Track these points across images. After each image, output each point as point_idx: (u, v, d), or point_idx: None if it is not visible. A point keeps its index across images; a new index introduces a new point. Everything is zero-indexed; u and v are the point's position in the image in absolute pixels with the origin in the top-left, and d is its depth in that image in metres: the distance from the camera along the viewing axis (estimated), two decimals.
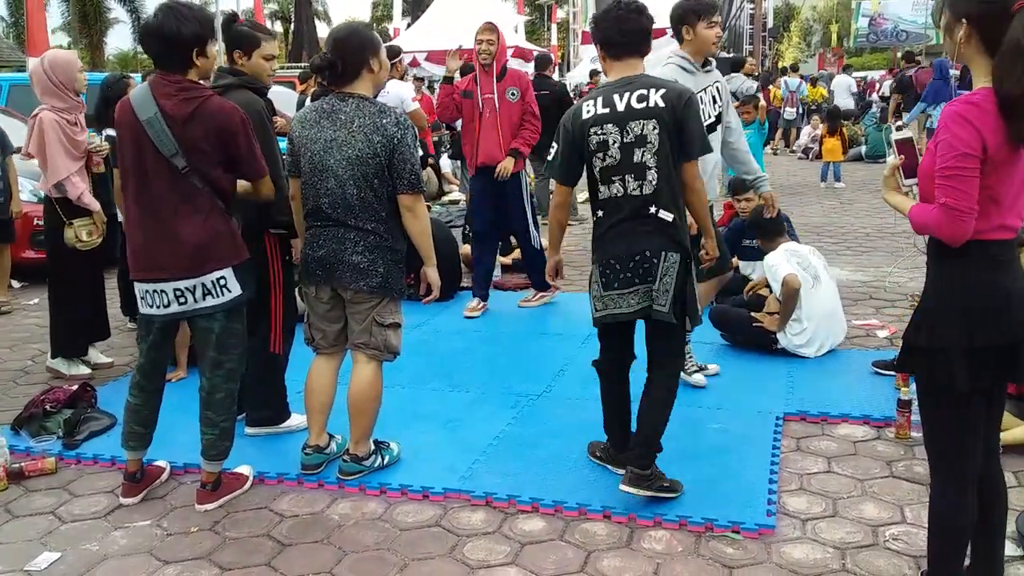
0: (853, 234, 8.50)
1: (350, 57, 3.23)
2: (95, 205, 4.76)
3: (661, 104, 3.05)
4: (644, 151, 3.06)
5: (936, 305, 2.27)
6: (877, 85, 22.47)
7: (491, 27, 5.83)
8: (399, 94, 6.40)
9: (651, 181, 3.07)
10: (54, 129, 4.55)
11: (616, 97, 3.10)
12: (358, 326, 3.35)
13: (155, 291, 3.16)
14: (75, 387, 4.23)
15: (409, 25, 22.26)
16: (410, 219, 3.28)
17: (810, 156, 15.24)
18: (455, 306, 6.12)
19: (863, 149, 14.76)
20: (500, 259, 7.13)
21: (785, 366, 4.57)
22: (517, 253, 7.01)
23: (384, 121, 3.19)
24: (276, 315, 3.75)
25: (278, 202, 3.52)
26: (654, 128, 3.05)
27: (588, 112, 3.15)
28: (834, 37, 39.50)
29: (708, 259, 3.44)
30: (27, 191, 6.64)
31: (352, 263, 3.24)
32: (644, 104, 3.06)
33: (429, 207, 10.43)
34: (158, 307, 3.18)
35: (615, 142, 3.09)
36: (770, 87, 17.39)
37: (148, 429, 3.37)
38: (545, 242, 6.95)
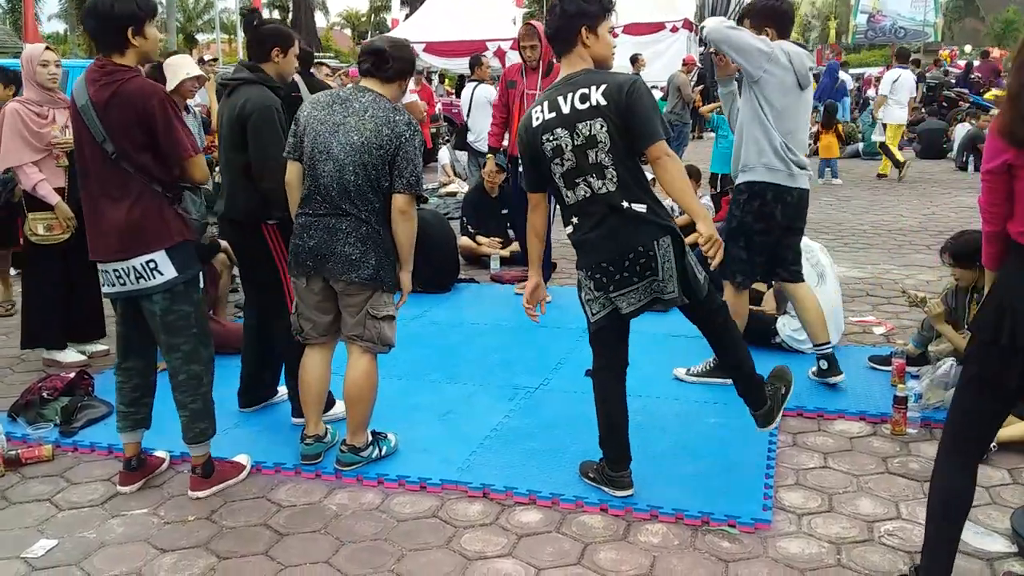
0: (850, 231, 8.49)
1: (399, 62, 3.29)
2: (52, 198, 4.62)
3: (603, 102, 2.91)
4: (597, 151, 2.96)
5: (986, 297, 2.39)
6: (874, 81, 22.50)
7: (531, 31, 5.69)
8: None
9: (612, 179, 2.97)
10: (14, 118, 4.53)
11: (561, 100, 2.99)
12: (352, 319, 3.34)
13: (103, 271, 3.22)
14: (72, 375, 4.23)
15: (407, 16, 22.22)
16: (400, 222, 3.26)
17: (807, 152, 15.18)
18: (453, 298, 6.12)
19: (860, 146, 14.75)
20: (500, 252, 7.13)
21: (782, 361, 4.56)
22: (515, 246, 7.01)
23: (398, 118, 3.21)
24: (293, 300, 3.69)
25: (277, 199, 3.51)
26: (601, 127, 2.93)
27: (537, 119, 3.03)
28: (832, 33, 39.41)
29: (709, 246, 2.90)
30: None
31: (344, 254, 3.22)
32: (587, 104, 2.94)
33: (427, 199, 10.46)
34: (109, 286, 3.23)
35: (567, 146, 2.98)
36: None
37: (132, 409, 3.36)
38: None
